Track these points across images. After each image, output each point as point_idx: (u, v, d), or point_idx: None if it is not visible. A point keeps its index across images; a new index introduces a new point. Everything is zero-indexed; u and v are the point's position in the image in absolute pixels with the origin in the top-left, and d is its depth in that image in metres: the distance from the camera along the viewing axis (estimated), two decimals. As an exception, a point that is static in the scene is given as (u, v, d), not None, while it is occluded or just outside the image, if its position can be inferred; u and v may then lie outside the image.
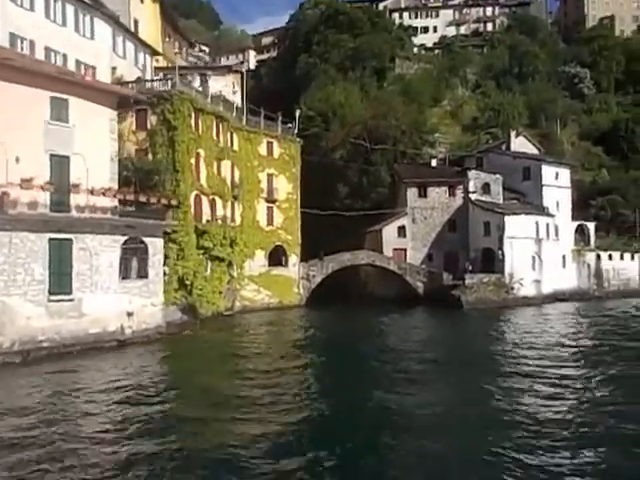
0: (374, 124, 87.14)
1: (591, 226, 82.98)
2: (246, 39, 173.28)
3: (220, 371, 33.96)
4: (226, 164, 60.47)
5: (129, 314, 39.84)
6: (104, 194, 37.90)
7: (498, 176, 76.07)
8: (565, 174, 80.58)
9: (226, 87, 72.52)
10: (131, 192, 40.37)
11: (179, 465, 19.22)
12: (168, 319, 45.26)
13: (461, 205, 76.65)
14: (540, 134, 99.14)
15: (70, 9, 53.12)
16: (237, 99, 74.99)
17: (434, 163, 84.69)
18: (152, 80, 56.14)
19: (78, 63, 53.37)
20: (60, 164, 36.69)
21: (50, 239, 35.77)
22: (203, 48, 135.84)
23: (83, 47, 54.27)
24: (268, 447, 20.62)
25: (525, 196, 78.02)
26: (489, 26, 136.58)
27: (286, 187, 69.77)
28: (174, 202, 45.13)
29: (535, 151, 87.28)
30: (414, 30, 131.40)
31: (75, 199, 37.29)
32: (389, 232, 77.43)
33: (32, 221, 34.83)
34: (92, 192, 37.25)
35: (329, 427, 23.59)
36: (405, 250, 77.12)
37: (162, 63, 74.20)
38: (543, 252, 73.35)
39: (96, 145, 38.70)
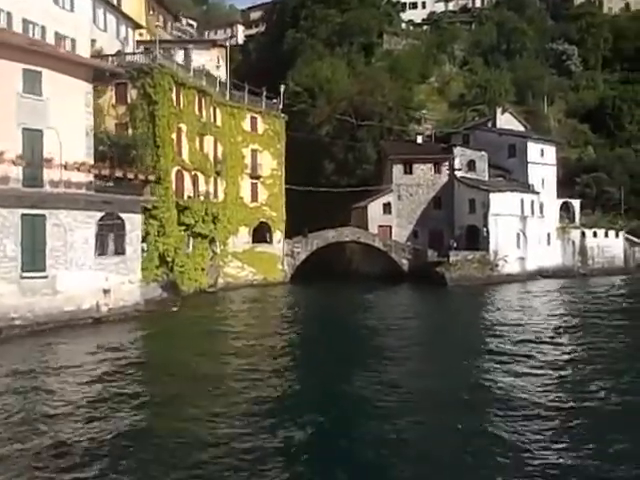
0: (360, 100, 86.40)
1: (576, 203, 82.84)
2: (235, 14, 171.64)
3: (196, 349, 33.22)
4: (209, 139, 59.85)
5: (105, 291, 39.28)
6: (78, 169, 37.20)
7: (483, 153, 75.69)
8: (551, 151, 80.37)
9: (210, 61, 71.81)
10: (107, 167, 39.57)
11: (147, 444, 18.88)
12: (148, 296, 44.75)
13: (446, 182, 76.31)
14: (526, 111, 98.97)
15: (49, -20, 52.05)
16: (222, 74, 74.22)
17: (420, 140, 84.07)
18: (132, 53, 55.33)
19: (57, 35, 52.24)
20: (33, 138, 35.95)
21: (22, 215, 35.11)
22: (191, 22, 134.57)
23: (62, 19, 53.05)
24: (240, 424, 20.35)
25: (510, 173, 77.82)
26: (477, 2, 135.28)
27: (270, 163, 69.15)
28: (152, 177, 44.43)
29: (521, 128, 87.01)
30: (402, 6, 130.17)
31: (49, 174, 36.56)
32: (374, 209, 77.03)
33: (3, 196, 34.16)
34: (66, 167, 36.55)
35: (304, 404, 23.12)
36: (390, 227, 76.76)
37: (146, 37, 73.14)
38: (528, 229, 73.18)
39: (71, 119, 37.93)
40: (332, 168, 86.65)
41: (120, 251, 41.05)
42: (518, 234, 72.08)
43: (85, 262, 38.41)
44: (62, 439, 18.92)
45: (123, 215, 40.97)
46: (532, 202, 74.71)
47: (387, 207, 77.06)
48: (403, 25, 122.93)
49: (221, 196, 62.82)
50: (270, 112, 69.31)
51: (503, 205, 70.03)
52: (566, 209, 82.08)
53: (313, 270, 69.67)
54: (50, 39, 50.01)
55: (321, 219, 73.85)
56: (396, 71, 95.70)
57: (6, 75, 34.93)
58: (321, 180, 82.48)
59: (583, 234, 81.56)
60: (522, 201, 73.14)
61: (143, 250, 45.31)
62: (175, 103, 53.34)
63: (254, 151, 67.38)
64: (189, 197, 54.62)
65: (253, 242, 67.09)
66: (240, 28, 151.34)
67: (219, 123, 62.85)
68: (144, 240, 47.96)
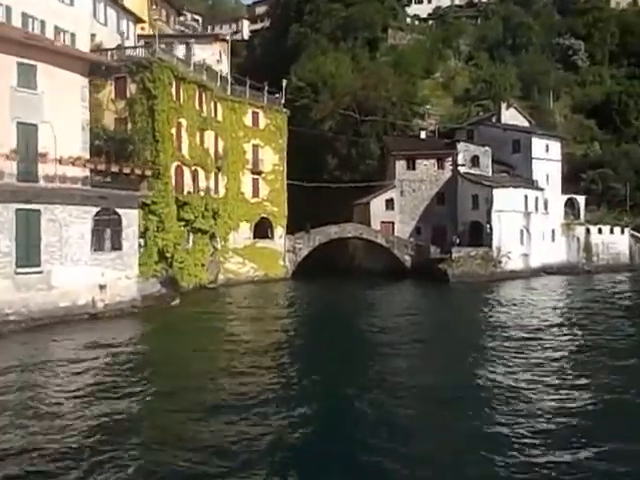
0: (364, 95, 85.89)
1: (581, 200, 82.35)
2: (240, 9, 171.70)
3: (191, 345, 32.88)
4: (209, 134, 59.42)
5: (101, 287, 38.98)
6: (73, 163, 36.86)
7: (487, 148, 75.17)
8: (555, 147, 79.83)
9: (212, 56, 71.26)
10: (102, 162, 39.19)
11: (139, 440, 18.75)
12: (146, 292, 44.44)
13: (450, 178, 75.74)
14: (532, 106, 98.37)
15: (49, -26, 51.69)
16: (225, 68, 73.86)
17: (423, 135, 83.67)
18: (131, 47, 54.79)
19: (57, 30, 51.95)
20: (27, 132, 35.61)
21: (17, 210, 34.77)
22: (196, 17, 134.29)
23: (62, 13, 52.72)
24: (237, 419, 20.30)
25: (515, 169, 77.35)
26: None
27: (272, 158, 68.70)
28: (148, 172, 43.91)
29: (526, 123, 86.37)
30: (408, 0, 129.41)
31: (44, 169, 36.22)
32: (377, 205, 76.61)
33: (-2, 191, 33.86)
34: (60, 161, 36.19)
35: (304, 399, 22.80)
36: (393, 223, 76.36)
37: (149, 31, 72.69)
38: (532, 226, 72.71)
39: (66, 113, 37.63)
40: (335, 163, 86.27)
41: (117, 246, 40.73)
42: (522, 230, 71.61)
43: (81, 257, 38.09)
44: (52, 436, 18.70)
45: (120, 210, 40.63)
46: (536, 198, 74.18)
47: (390, 203, 76.61)
48: (408, 20, 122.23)
49: (222, 191, 62.39)
50: (272, 107, 68.81)
51: (506, 201, 69.52)
52: (571, 205, 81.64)
53: (315, 266, 69.29)
54: (50, 33, 49.68)
55: (324, 215, 73.50)
56: (400, 66, 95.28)
57: (0, 69, 34.58)
58: (324, 175, 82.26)
59: (588, 230, 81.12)
60: (526, 197, 72.61)
61: (140, 246, 44.99)
62: (175, 98, 52.90)
63: (255, 146, 66.89)
64: (189, 192, 54.22)
65: (254, 238, 66.59)
66: (245, 23, 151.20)
67: (220, 118, 62.41)
68: (143, 235, 47.85)
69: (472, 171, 74.24)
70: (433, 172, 76.36)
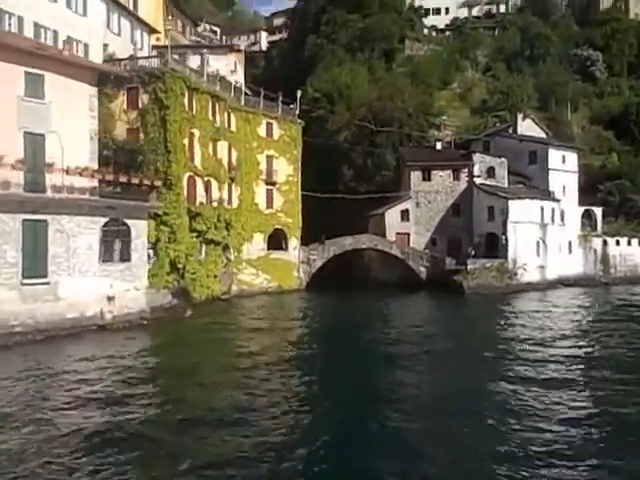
0: (380, 106, 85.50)
1: (598, 211, 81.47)
2: (259, 20, 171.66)
3: (200, 357, 32.77)
4: (223, 145, 59.14)
5: (110, 298, 38.78)
6: (81, 174, 36.72)
7: (503, 160, 74.54)
8: (572, 158, 79.07)
9: (227, 66, 71.33)
10: (110, 172, 38.97)
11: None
12: (156, 303, 44.21)
13: (465, 189, 75.21)
14: (549, 117, 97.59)
15: (62, -16, 51.73)
16: (240, 79, 73.80)
17: (439, 146, 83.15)
18: (144, 57, 54.65)
19: (70, 40, 51.75)
20: (35, 142, 35.60)
21: (24, 220, 34.70)
22: (214, 29, 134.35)
23: (75, 23, 52.86)
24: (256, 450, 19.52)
25: (531, 180, 76.65)
26: (502, 7, 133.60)
27: (286, 169, 68.35)
28: (158, 183, 43.74)
29: (543, 135, 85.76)
30: (426, 11, 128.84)
31: (51, 179, 36.08)
32: (392, 216, 76.10)
33: (4, 201, 33.74)
34: (67, 171, 36.03)
35: (317, 413, 22.96)
36: (408, 234, 75.80)
37: (164, 42, 72.70)
38: (548, 237, 71.94)
39: (74, 123, 37.58)
40: (351, 174, 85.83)
41: (125, 258, 40.56)
42: (538, 242, 70.90)
43: (89, 268, 37.92)
44: (54, 449, 18.69)
45: (128, 221, 40.46)
46: (552, 209, 73.44)
47: (405, 214, 76.11)
48: (425, 31, 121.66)
49: (235, 202, 62.19)
50: (286, 118, 68.53)
51: (522, 212, 68.89)
52: (588, 217, 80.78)
53: (330, 277, 68.93)
54: (62, 43, 49.59)
55: (339, 226, 73.12)
56: (417, 77, 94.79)
57: (7, 78, 34.51)
58: (340, 186, 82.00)
59: (605, 242, 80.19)
60: (542, 208, 71.93)
61: (149, 257, 44.69)
62: (187, 108, 52.67)
63: (269, 157, 66.60)
64: (201, 203, 53.91)
65: (268, 249, 66.27)
66: (263, 34, 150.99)
67: (234, 128, 62.25)
68: (154, 246, 47.61)
69: (488, 182, 73.65)
70: (449, 183, 75.84)
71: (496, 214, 69.98)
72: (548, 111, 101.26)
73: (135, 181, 40.44)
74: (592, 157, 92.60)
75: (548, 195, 74.39)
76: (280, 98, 67.80)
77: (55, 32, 50.43)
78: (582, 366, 30.54)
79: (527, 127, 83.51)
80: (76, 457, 18.12)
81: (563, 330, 41.97)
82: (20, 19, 47.29)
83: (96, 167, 38.70)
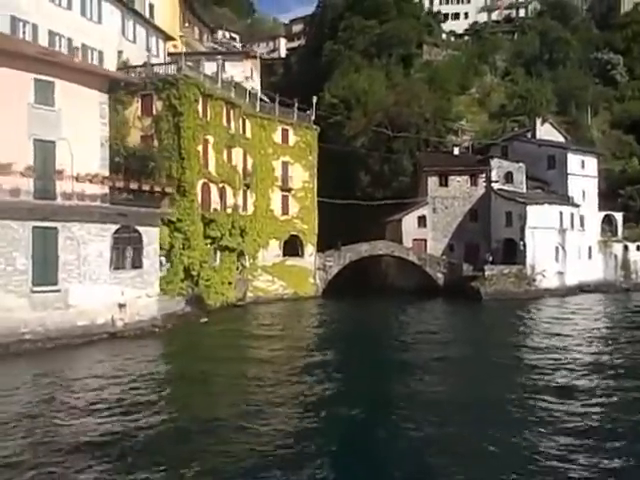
0: (396, 111, 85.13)
1: (619, 216, 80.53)
2: (278, 27, 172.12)
3: (208, 365, 32.27)
4: (237, 151, 58.95)
5: (121, 306, 38.57)
6: (91, 181, 36.58)
7: (521, 165, 73.95)
8: (592, 163, 78.31)
9: (243, 73, 71.24)
10: (120, 179, 38.84)
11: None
12: (169, 310, 44.09)
13: (483, 194, 74.68)
14: (568, 122, 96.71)
15: (76, -8, 51.82)
16: (256, 85, 73.75)
17: (456, 151, 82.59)
18: (157, 64, 54.51)
19: (84, 47, 52.09)
20: (45, 149, 35.48)
21: (34, 227, 34.59)
22: (234, 36, 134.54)
23: (89, 31, 53.06)
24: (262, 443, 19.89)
25: (550, 185, 75.97)
26: (521, 12, 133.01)
27: (302, 175, 68.05)
28: (169, 189, 43.62)
29: (561, 139, 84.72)
30: (445, 16, 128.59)
31: (61, 186, 35.96)
32: (409, 222, 75.72)
33: (14, 209, 33.63)
34: (77, 178, 35.90)
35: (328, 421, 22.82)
36: (425, 241, 75.39)
37: (182, 49, 72.72)
38: (567, 243, 71.23)
39: (85, 130, 37.40)
40: (368, 180, 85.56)
41: (137, 265, 40.39)
42: (557, 248, 70.19)
43: (100, 276, 37.77)
44: (60, 457, 18.54)
45: (140, 228, 40.30)
46: (572, 215, 72.72)
47: (422, 220, 75.71)
48: (444, 36, 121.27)
49: (250, 209, 62.06)
50: (302, 124, 68.26)
51: (541, 218, 68.24)
52: (608, 222, 79.93)
53: (347, 284, 68.63)
54: (77, 51, 49.73)
55: (356, 232, 73.14)
56: (435, 82, 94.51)
57: (17, 85, 34.46)
58: (357, 192, 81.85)
59: (626, 247, 79.34)
60: (561, 214, 71.20)
61: (162, 264, 44.56)
62: (202, 114, 52.52)
63: (285, 163, 66.35)
64: (215, 210, 53.67)
65: (284, 255, 65.93)
66: (282, 41, 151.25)
67: (249, 135, 62.09)
68: (168, 253, 47.53)
69: (506, 187, 73.03)
70: (466, 189, 75.38)
71: (514, 220, 69.38)
72: (568, 115, 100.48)
73: (146, 188, 40.30)
74: (613, 162, 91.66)
75: (567, 200, 73.65)
76: (296, 104, 67.61)
77: (69, 40, 50.51)
78: (598, 375, 29.82)
79: (546, 132, 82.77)
80: (82, 464, 18.02)
81: (580, 337, 41.25)
82: (35, 27, 47.38)
83: (107, 174, 38.53)
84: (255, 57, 77.04)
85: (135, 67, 52.91)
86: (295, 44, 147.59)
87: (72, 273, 36.28)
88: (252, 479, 17.25)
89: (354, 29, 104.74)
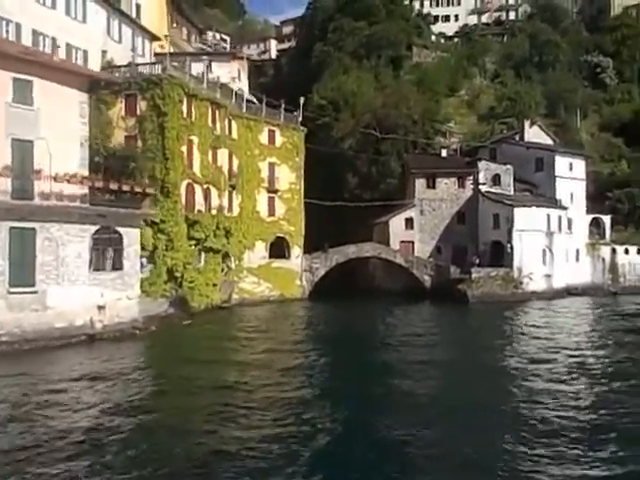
0: (384, 113, 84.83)
1: (607, 219, 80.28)
2: (269, 29, 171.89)
3: (184, 371, 31.81)
4: (223, 152, 58.66)
5: (100, 307, 38.15)
6: (69, 181, 36.13)
7: (509, 167, 73.73)
8: (580, 165, 78.02)
9: (229, 74, 70.89)
10: (99, 179, 38.39)
11: None
12: (151, 312, 43.75)
13: (471, 197, 74.47)
14: (557, 124, 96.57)
15: (61, -9, 51.38)
16: (244, 86, 73.46)
17: (444, 153, 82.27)
18: (142, 64, 54.15)
19: (69, 47, 51.68)
20: (23, 149, 35.10)
21: (11, 228, 34.19)
22: (224, 37, 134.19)
23: (74, 31, 52.60)
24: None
25: (537, 188, 75.69)
26: (511, 15, 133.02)
27: (289, 177, 67.80)
28: (150, 190, 43.20)
29: (550, 141, 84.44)
30: (435, 19, 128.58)
31: (40, 186, 35.52)
32: (396, 224, 75.42)
33: (-11, 209, 33.20)
34: (55, 178, 35.47)
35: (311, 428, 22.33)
36: (413, 243, 75.13)
37: (168, 50, 72.30)
38: (554, 246, 70.94)
39: (64, 129, 37.03)
40: (356, 182, 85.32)
41: (117, 266, 39.99)
42: (544, 250, 69.91)
43: (78, 277, 37.34)
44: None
45: (120, 229, 39.90)
46: (559, 217, 72.46)
47: (409, 222, 75.42)
48: (433, 38, 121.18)
49: (236, 210, 61.78)
50: (289, 125, 67.99)
51: (528, 220, 67.98)
52: (597, 225, 79.72)
53: (334, 286, 68.18)
54: (61, 50, 49.25)
55: (343, 234, 72.93)
56: (424, 84, 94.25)
57: (-5, 84, 34.10)
58: (345, 194, 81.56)
59: (614, 251, 79.01)
60: (548, 216, 70.96)
61: (142, 265, 44.15)
62: (186, 115, 52.15)
63: (272, 164, 66.02)
64: (199, 211, 53.29)
65: (270, 257, 65.63)
66: (273, 43, 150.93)
67: (235, 136, 61.79)
68: (152, 255, 47.20)
69: (493, 190, 72.80)
70: (453, 191, 75.13)
71: (501, 222, 69.12)
72: (557, 118, 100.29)
73: (126, 188, 39.89)
74: (601, 164, 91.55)
75: (555, 203, 73.42)
76: (283, 105, 67.30)
77: (54, 39, 49.97)
78: (581, 379, 29.81)
79: (534, 134, 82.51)
80: (54, 467, 17.83)
81: (565, 341, 41.09)
82: (18, 26, 46.91)
83: (86, 174, 38.10)
84: (242, 58, 76.73)
85: (119, 67, 52.60)
86: (286, 45, 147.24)
87: (50, 274, 35.85)
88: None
89: (344, 31, 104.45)
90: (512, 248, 67.08)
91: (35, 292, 35.23)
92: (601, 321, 52.74)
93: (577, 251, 75.36)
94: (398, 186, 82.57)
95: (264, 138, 65.64)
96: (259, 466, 18.23)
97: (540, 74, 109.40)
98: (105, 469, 17.93)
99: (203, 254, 54.57)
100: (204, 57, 62.54)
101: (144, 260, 45.12)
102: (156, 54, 66.26)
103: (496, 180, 73.55)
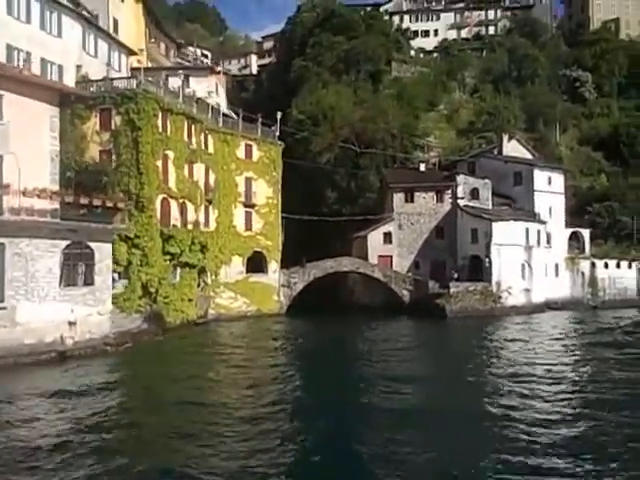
0: (362, 127, 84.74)
1: (586, 233, 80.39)
2: (250, 44, 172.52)
3: (154, 389, 31.44)
4: (199, 167, 58.32)
5: (71, 324, 37.49)
6: (39, 195, 35.60)
7: (487, 181, 73.80)
8: (559, 179, 78.21)
9: (207, 88, 70.64)
10: (70, 194, 37.92)
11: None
12: (123, 328, 43.07)
13: (449, 211, 74.32)
14: (536, 139, 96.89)
15: (36, 6, 50.91)
16: (222, 101, 73.26)
17: (423, 168, 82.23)
18: (117, 79, 53.81)
19: (44, 61, 51.36)
20: (-9, 164, 34.54)
21: (-22, 243, 33.62)
22: (205, 52, 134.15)
23: (49, 45, 52.26)
24: None
25: (516, 202, 75.75)
26: (491, 29, 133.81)
27: (266, 191, 67.44)
28: (121, 205, 42.70)
29: (529, 155, 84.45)
30: (414, 33, 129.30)
31: (9, 201, 35.00)
32: (375, 238, 75.22)
33: (-44, 224, 32.70)
34: (24, 193, 34.95)
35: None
36: (391, 257, 74.90)
37: (146, 64, 72.15)
38: (533, 260, 70.99)
39: (34, 144, 36.44)
40: (334, 196, 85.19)
41: (89, 281, 39.33)
42: (523, 265, 69.97)
43: (48, 293, 36.71)
44: None
45: (92, 244, 39.28)
46: (538, 231, 72.54)
47: (387, 236, 75.21)
48: (412, 52, 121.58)
49: (213, 225, 61.37)
50: (266, 139, 67.68)
51: (506, 235, 67.95)
52: (576, 239, 79.80)
53: (312, 301, 67.77)
54: (36, 65, 49.01)
55: (322, 249, 72.83)
56: (403, 98, 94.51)
57: (-38, 98, 33.67)
58: (323, 209, 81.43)
59: (593, 265, 79.28)
60: (527, 230, 70.99)
61: (114, 280, 43.70)
62: (161, 129, 51.86)
63: (248, 179, 65.66)
64: (174, 226, 52.90)
65: (247, 272, 65.17)
66: (254, 58, 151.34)
67: (211, 150, 61.45)
68: (126, 270, 46.85)
69: (472, 204, 72.77)
70: (432, 205, 74.97)
71: (480, 236, 69.06)
72: (536, 132, 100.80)
73: (97, 203, 39.38)
74: (581, 178, 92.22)
75: (533, 217, 73.48)
76: (259, 120, 67.12)
77: (28, 54, 49.59)
78: (557, 395, 29.49)
79: (512, 148, 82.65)
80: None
81: (542, 356, 40.92)
82: (-8, 40, 46.64)
83: (57, 189, 37.63)
84: (220, 73, 76.48)
85: (94, 81, 52.30)
86: (267, 61, 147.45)
87: (20, 290, 35.24)
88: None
89: (323, 45, 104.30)
90: (490, 262, 67.01)
91: (4, 308, 34.55)
92: (580, 336, 52.40)
93: (556, 265, 75.39)
94: (377, 200, 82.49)
95: (241, 152, 65.29)
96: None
97: (519, 88, 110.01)
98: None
99: (179, 269, 54.19)
100: (180, 71, 62.34)
101: (116, 275, 44.72)
102: (132, 69, 65.96)
103: (474, 194, 73.56)
